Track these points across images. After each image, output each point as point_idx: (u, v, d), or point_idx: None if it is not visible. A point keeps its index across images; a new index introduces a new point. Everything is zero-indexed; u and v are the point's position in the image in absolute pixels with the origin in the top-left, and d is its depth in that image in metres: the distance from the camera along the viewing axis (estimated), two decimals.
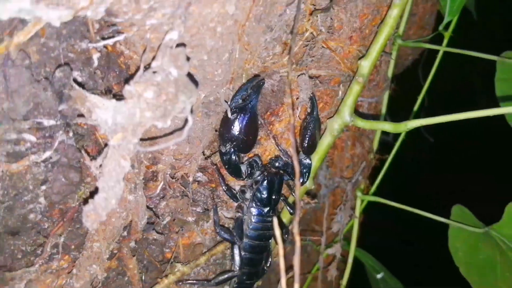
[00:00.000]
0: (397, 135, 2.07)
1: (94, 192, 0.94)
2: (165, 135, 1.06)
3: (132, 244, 1.30)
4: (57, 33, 0.99)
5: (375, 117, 1.96)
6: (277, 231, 0.86)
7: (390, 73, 1.92)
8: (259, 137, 1.41)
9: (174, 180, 1.29)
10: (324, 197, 2.00)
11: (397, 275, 2.22)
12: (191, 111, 0.94)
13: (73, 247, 1.20)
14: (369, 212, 2.36)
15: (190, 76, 0.96)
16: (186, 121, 0.95)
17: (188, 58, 0.95)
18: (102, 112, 0.95)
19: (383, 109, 1.97)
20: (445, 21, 1.84)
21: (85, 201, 0.97)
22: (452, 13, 1.82)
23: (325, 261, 1.97)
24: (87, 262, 1.16)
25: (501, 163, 3.95)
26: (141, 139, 0.97)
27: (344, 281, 1.88)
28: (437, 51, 1.99)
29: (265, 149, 1.43)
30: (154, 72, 0.93)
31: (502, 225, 1.67)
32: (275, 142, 1.42)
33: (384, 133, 2.33)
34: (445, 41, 2.00)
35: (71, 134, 1.08)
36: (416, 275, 2.45)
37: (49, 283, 1.18)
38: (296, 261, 0.89)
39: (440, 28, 1.91)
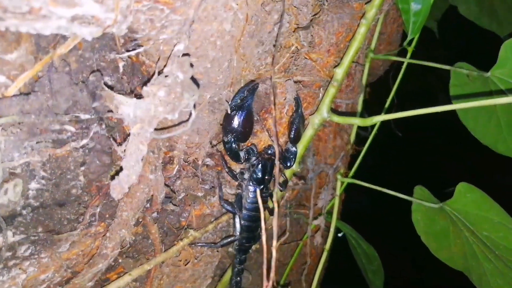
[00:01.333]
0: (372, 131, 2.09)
1: (119, 170, 0.97)
2: (174, 125, 1.08)
3: (154, 214, 1.32)
4: (91, 46, 1.02)
5: (352, 115, 1.97)
6: (260, 202, 0.88)
7: (364, 80, 1.93)
8: (255, 130, 1.43)
9: (187, 163, 1.31)
10: (311, 180, 2.01)
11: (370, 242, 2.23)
12: (194, 107, 0.96)
13: (107, 216, 1.23)
14: (349, 192, 2.38)
15: (193, 79, 0.98)
16: (190, 114, 0.97)
17: (191, 65, 0.97)
18: (125, 108, 0.97)
19: (359, 108, 1.98)
20: (408, 38, 1.85)
21: (112, 177, 0.99)
22: (414, 32, 1.83)
23: (312, 230, 1.99)
24: (117, 227, 1.19)
25: (454, 151, 3.95)
26: (156, 129, 0.99)
27: (327, 246, 1.90)
28: (403, 62, 2.00)
29: (260, 140, 1.45)
30: (166, 76, 0.96)
31: (453, 201, 1.68)
32: (268, 134, 1.44)
33: (362, 129, 2.35)
34: (408, 55, 2.00)
35: (103, 126, 1.10)
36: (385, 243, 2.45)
37: (89, 244, 1.20)
38: (275, 223, 0.91)
39: (405, 44, 1.92)
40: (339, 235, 2.13)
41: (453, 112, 1.64)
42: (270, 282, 0.84)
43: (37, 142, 1.00)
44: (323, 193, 1.95)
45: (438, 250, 1.75)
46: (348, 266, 2.56)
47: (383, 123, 2.45)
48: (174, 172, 1.32)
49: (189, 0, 0.94)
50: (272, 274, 0.84)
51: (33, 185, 1.07)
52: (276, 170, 0.96)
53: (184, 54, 0.97)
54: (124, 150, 0.97)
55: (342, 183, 1.97)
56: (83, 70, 1.02)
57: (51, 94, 0.94)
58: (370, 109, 2.24)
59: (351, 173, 2.13)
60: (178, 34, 0.98)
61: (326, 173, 1.97)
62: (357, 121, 1.41)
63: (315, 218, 1.92)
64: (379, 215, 3.71)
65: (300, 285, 2.16)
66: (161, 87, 0.95)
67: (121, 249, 1.26)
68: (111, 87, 1.05)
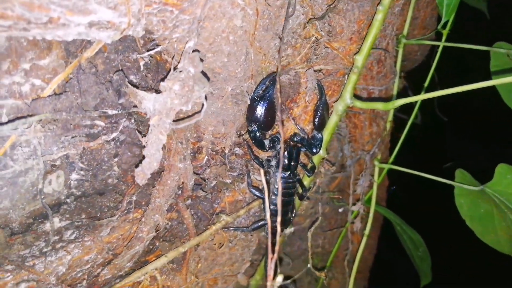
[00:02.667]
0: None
1: (142, 159, 1.07)
2: (188, 116, 1.17)
3: (188, 201, 1.43)
4: (115, 49, 1.14)
5: (387, 100, 1.98)
6: (264, 183, 0.95)
7: (398, 66, 1.94)
8: (282, 120, 1.50)
9: (214, 152, 1.41)
10: (350, 167, 2.05)
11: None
12: (206, 98, 1.05)
13: (143, 203, 1.34)
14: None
15: (203, 73, 1.07)
16: (202, 105, 1.06)
17: (201, 60, 1.06)
18: (147, 102, 1.08)
19: (394, 94, 1.99)
20: (443, 21, 1.85)
21: (136, 165, 1.10)
22: (448, 14, 1.83)
23: (353, 218, 2.03)
24: (151, 213, 1.30)
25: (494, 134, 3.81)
26: (174, 120, 1.09)
27: (367, 231, 1.93)
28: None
29: (287, 128, 1.52)
30: (180, 71, 1.05)
31: (494, 183, 1.67)
32: (294, 123, 1.50)
33: (402, 113, 2.36)
34: (443, 38, 1.99)
35: (132, 120, 1.22)
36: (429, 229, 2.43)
37: (127, 229, 1.32)
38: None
39: (439, 27, 1.91)
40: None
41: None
42: (275, 255, 0.90)
43: (72, 137, 1.12)
44: (361, 180, 1.98)
45: (484, 234, 1.74)
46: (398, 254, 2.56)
47: (430, 109, 2.45)
48: (204, 162, 1.41)
49: (195, 0, 1.03)
50: (277, 247, 0.90)
51: (74, 176, 1.21)
52: (281, 153, 1.02)
53: (194, 50, 1.05)
54: (146, 141, 1.07)
55: (381, 169, 2.00)
56: (110, 70, 1.14)
57: (79, 93, 1.06)
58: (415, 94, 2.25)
59: (391, 159, 2.15)
60: (188, 32, 1.07)
61: (364, 160, 2.00)
62: (379, 106, 1.45)
63: (353, 204, 1.96)
64: (420, 201, 3.65)
65: (344, 270, 2.21)
66: (176, 81, 1.04)
67: (156, 233, 1.38)
68: (136, 85, 1.17)
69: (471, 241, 1.74)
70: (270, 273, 0.91)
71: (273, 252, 0.92)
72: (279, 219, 0.95)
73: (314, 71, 1.44)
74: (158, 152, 1.06)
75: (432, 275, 2.30)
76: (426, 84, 2.09)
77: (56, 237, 1.21)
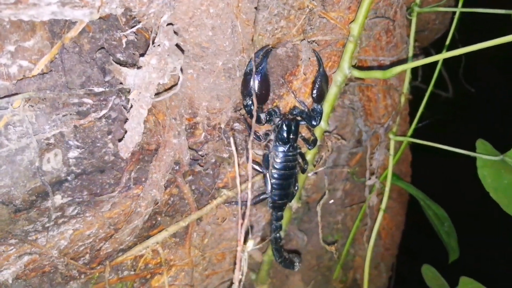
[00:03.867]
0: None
1: (124, 133, 1.10)
2: (167, 89, 1.19)
3: (190, 177, 1.46)
4: (99, 28, 1.17)
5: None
6: (233, 147, 0.96)
7: (412, 35, 1.89)
8: (281, 93, 1.50)
9: (211, 128, 1.42)
10: (365, 141, 2.02)
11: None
12: (181, 71, 1.07)
13: (143, 179, 1.38)
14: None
15: (177, 46, 1.09)
16: (179, 78, 1.08)
17: (175, 33, 1.08)
18: (130, 78, 1.11)
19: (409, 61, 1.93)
20: None
21: (120, 140, 1.13)
22: None
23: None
24: (149, 188, 1.33)
25: None
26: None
27: (383, 205, 1.90)
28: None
29: (287, 102, 1.52)
30: (156, 46, 1.08)
31: None
32: (293, 96, 1.50)
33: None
34: (460, 3, 1.92)
35: (123, 98, 1.26)
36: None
37: (129, 205, 1.36)
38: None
39: None
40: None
41: None
42: (246, 220, 0.92)
43: (63, 115, 1.17)
44: (376, 154, 1.95)
45: (509, 206, 1.67)
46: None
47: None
48: (202, 138, 1.43)
49: None
50: (246, 221, 0.91)
51: (71, 154, 1.26)
52: (252, 122, 1.02)
53: (169, 24, 1.07)
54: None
55: (400, 142, 1.96)
56: (96, 50, 1.18)
57: (64, 72, 1.10)
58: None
59: (410, 131, 2.10)
60: (163, 7, 1.09)
61: (379, 134, 1.97)
62: (378, 74, 1.42)
63: (368, 179, 1.93)
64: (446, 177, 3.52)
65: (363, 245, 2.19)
66: (153, 56, 1.07)
67: (158, 208, 1.42)
68: (121, 62, 1.20)
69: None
70: (240, 238, 0.93)
71: (243, 218, 0.93)
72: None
73: (310, 42, 1.43)
74: (139, 126, 1.09)
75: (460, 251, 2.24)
76: (444, 51, 2.02)
77: (59, 213, 1.27)
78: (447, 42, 1.99)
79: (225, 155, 1.46)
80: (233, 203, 1.51)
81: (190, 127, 1.41)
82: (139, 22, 1.16)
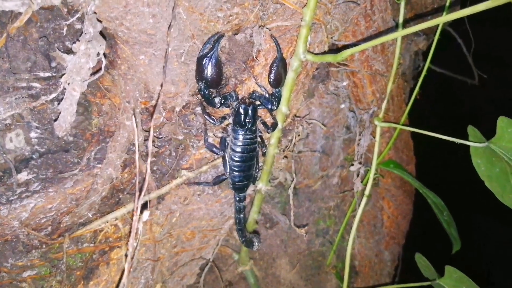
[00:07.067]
0: None
1: (59, 113, 1.20)
2: (93, 73, 1.27)
3: (153, 158, 1.54)
4: (46, 18, 1.27)
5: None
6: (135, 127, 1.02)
7: (401, 18, 1.85)
8: (243, 78, 1.54)
9: (166, 111, 1.50)
10: (353, 128, 2.02)
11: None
12: (104, 55, 1.15)
13: (105, 160, 1.49)
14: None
15: (101, 33, 1.17)
16: (101, 62, 1.16)
17: (99, 20, 1.16)
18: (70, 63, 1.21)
19: (397, 48, 1.89)
20: None
21: (55, 120, 1.23)
22: None
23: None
24: (105, 166, 1.43)
25: None
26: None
27: (367, 191, 1.88)
28: None
29: (249, 87, 1.55)
30: (85, 33, 1.16)
31: (497, 138, 1.54)
32: (255, 80, 1.53)
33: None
34: None
35: None
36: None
37: (90, 183, 1.47)
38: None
39: None
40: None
41: None
42: (143, 193, 0.98)
43: (16, 98, 1.29)
44: (361, 139, 1.94)
45: (503, 194, 1.61)
46: None
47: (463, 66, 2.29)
48: (161, 120, 1.51)
49: None
50: (142, 194, 0.97)
51: (33, 134, 1.38)
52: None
53: (93, 13, 1.15)
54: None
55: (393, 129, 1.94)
56: (43, 38, 1.28)
57: (8, 59, 1.22)
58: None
59: (403, 118, 2.06)
60: None
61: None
62: (329, 58, 1.42)
63: (352, 164, 1.93)
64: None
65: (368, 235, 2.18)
66: (82, 42, 1.15)
67: (122, 186, 1.52)
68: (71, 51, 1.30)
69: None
70: (137, 209, 1.00)
71: (139, 191, 1.00)
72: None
73: (270, 28, 1.46)
74: (72, 107, 1.19)
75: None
76: (437, 33, 1.96)
77: (23, 188, 1.40)
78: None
79: (180, 137, 1.52)
80: (194, 183, 1.58)
81: (147, 110, 1.49)
82: (78, 11, 1.25)
